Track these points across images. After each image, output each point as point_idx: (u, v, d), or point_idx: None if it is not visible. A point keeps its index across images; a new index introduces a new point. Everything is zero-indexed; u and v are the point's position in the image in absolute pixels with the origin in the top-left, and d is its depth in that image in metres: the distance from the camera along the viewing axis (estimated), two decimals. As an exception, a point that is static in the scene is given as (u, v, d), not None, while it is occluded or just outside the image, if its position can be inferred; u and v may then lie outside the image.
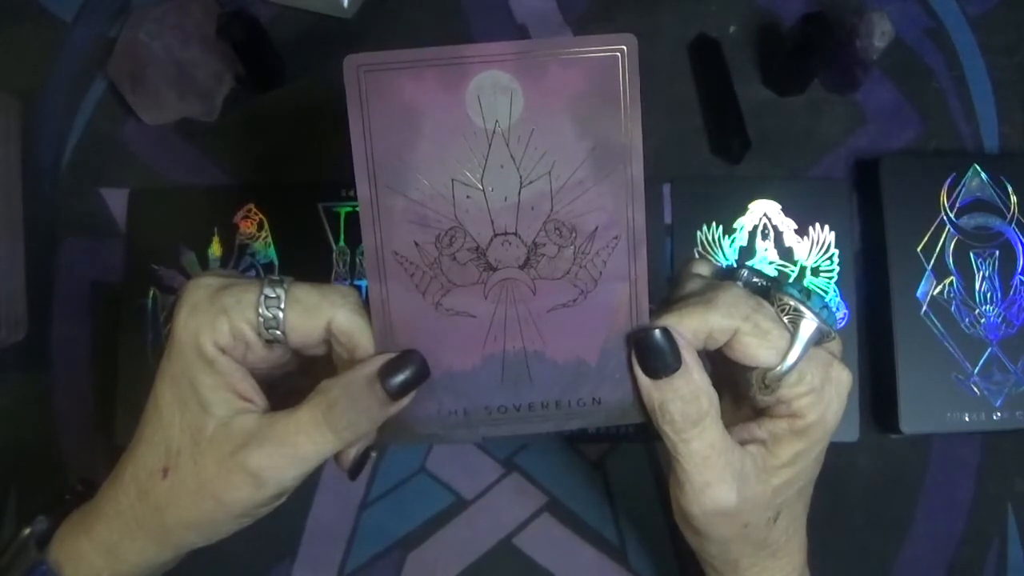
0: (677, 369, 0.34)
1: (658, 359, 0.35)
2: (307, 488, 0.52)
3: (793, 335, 0.35)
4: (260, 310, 0.34)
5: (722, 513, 0.36)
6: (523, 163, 0.34)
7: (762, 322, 0.35)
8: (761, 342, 0.35)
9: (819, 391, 0.36)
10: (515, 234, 0.35)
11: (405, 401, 0.35)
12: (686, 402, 0.35)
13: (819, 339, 0.35)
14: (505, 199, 0.34)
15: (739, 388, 0.37)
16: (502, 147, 0.33)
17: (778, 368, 0.35)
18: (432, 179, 0.34)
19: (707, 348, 0.36)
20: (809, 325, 0.35)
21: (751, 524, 0.37)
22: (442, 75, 0.32)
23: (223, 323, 0.34)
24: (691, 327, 0.35)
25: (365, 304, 0.36)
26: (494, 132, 0.33)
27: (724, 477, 0.35)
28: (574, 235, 0.35)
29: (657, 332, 0.34)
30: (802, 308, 0.35)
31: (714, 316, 0.35)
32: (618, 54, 0.33)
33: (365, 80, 0.33)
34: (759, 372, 0.35)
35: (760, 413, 0.37)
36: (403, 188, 0.34)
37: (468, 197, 0.34)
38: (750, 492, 0.36)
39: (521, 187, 0.34)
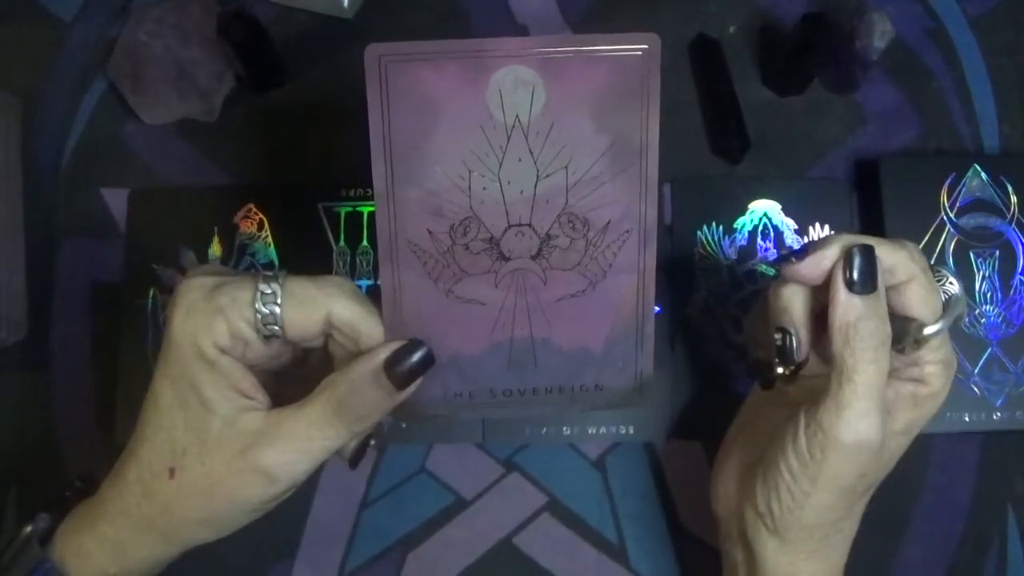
0: (875, 291, 0.36)
1: (867, 275, 0.36)
2: (307, 488, 0.52)
3: (946, 304, 0.38)
4: (257, 306, 0.34)
5: (868, 447, 0.36)
6: (541, 157, 0.34)
7: (932, 280, 0.37)
8: (929, 295, 0.37)
9: (947, 364, 0.38)
10: (529, 225, 0.35)
11: (412, 389, 0.35)
12: (879, 322, 0.36)
13: (955, 320, 0.38)
14: (521, 192, 0.34)
15: None
16: (521, 141, 0.33)
17: (931, 328, 0.36)
18: (449, 170, 0.34)
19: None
20: (960, 300, 0.38)
21: (867, 475, 0.37)
22: (464, 68, 0.32)
23: (220, 323, 0.34)
24: (881, 255, 0.36)
25: (372, 297, 0.36)
26: (514, 126, 0.33)
27: (881, 411, 0.36)
28: (587, 228, 0.35)
29: (870, 250, 0.36)
30: (955, 284, 0.38)
31: (903, 254, 0.36)
32: (641, 53, 0.32)
33: (386, 70, 0.32)
34: (917, 324, 0.37)
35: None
36: (419, 178, 0.34)
37: (484, 189, 0.34)
38: (884, 439, 0.37)
39: (537, 180, 0.34)
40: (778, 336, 0.38)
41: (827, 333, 0.37)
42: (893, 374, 0.38)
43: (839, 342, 0.36)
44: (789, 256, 0.37)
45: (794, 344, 0.38)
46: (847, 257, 0.36)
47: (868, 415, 0.36)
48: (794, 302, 0.38)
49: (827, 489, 0.37)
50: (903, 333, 0.37)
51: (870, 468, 0.37)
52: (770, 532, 0.39)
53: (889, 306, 0.37)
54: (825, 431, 0.36)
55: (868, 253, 0.36)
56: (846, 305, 0.36)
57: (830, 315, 0.36)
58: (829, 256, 0.36)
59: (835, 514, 0.38)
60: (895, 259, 0.36)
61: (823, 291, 0.37)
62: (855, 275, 0.36)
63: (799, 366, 0.39)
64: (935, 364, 0.38)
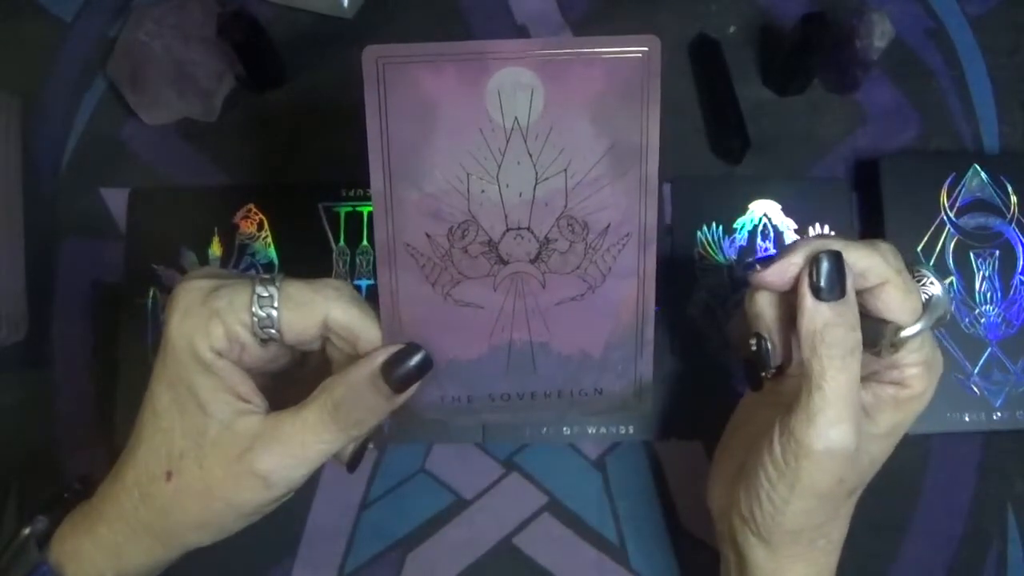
0: (843, 297, 0.35)
1: (834, 281, 0.35)
2: (307, 488, 0.52)
3: (926, 304, 0.37)
4: (253, 310, 0.34)
5: (841, 454, 0.36)
6: (540, 160, 0.34)
7: (908, 281, 0.36)
8: (905, 298, 0.36)
9: (929, 366, 0.37)
10: (528, 229, 0.35)
11: (410, 393, 0.35)
12: (847, 329, 0.35)
13: (936, 321, 0.37)
14: (520, 195, 0.34)
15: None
16: (520, 144, 0.33)
17: (908, 330, 0.36)
18: (447, 173, 0.34)
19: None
20: (941, 300, 0.37)
21: (846, 481, 0.37)
22: (463, 70, 0.32)
23: (217, 326, 0.34)
24: (851, 259, 0.35)
25: (370, 298, 0.36)
26: (513, 129, 0.33)
27: (854, 417, 0.35)
28: (586, 231, 0.35)
29: (837, 256, 0.35)
30: (937, 284, 0.37)
31: (876, 257, 0.36)
32: (641, 55, 0.32)
33: (384, 72, 0.32)
34: (893, 327, 0.36)
35: (866, 378, 0.37)
36: (418, 181, 0.34)
37: (483, 192, 0.34)
38: (862, 444, 0.36)
39: (536, 183, 0.34)
40: (752, 341, 0.38)
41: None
42: (873, 376, 0.38)
43: (807, 350, 0.35)
44: (755, 263, 0.37)
45: (768, 348, 0.38)
46: (813, 263, 0.35)
47: (839, 423, 0.35)
48: (766, 308, 0.38)
49: (804, 496, 0.37)
50: (879, 336, 0.36)
51: (847, 474, 0.36)
52: (755, 536, 0.39)
53: (865, 309, 0.36)
54: (797, 439, 0.36)
55: (835, 259, 0.35)
56: (812, 312, 0.35)
57: (797, 322, 0.36)
58: (795, 263, 0.36)
59: (816, 519, 0.38)
60: (867, 263, 0.36)
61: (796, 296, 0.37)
62: (821, 281, 0.35)
63: (780, 369, 0.39)
64: (916, 366, 0.37)
